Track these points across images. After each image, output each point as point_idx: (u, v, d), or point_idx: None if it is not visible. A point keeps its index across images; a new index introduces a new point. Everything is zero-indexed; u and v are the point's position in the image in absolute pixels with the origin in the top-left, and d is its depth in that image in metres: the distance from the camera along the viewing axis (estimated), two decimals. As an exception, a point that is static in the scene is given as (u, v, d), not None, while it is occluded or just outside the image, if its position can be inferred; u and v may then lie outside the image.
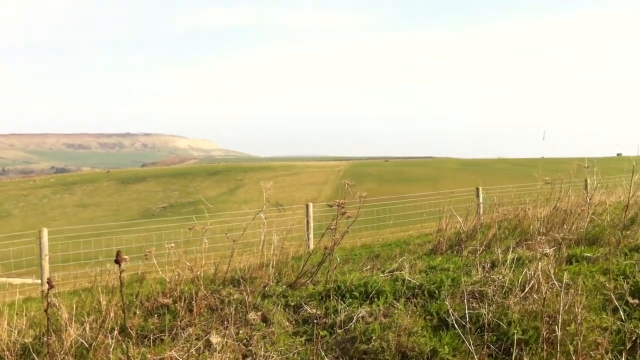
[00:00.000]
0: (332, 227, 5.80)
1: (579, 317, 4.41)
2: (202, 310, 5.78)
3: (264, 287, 6.37)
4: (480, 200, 15.95)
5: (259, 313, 5.68)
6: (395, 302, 5.71)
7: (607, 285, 5.36)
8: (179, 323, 5.48)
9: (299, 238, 12.56)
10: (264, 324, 5.49)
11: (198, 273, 6.16)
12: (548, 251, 6.02)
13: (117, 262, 4.59)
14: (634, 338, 4.34)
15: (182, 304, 5.72)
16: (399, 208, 19.24)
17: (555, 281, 4.99)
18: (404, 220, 17.89)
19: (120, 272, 4.73)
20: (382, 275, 6.60)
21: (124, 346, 4.90)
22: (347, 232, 6.92)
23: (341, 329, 5.21)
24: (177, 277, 6.17)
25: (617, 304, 4.71)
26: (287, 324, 5.55)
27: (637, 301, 4.72)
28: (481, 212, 14.04)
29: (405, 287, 6.02)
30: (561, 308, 4.42)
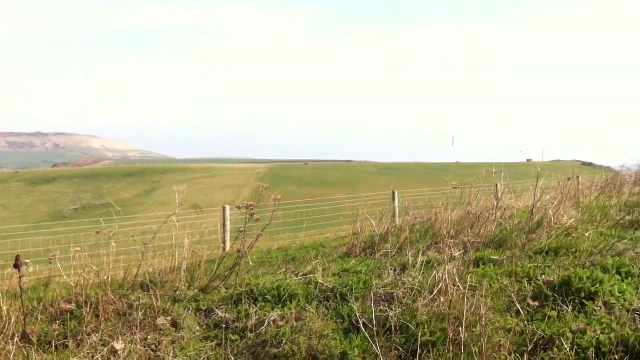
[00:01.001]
0: (241, 230, 5.75)
1: (483, 318, 4.51)
2: (109, 316, 5.60)
3: (175, 291, 6.25)
4: (396, 204, 16.18)
5: (169, 318, 5.55)
6: (307, 305, 5.71)
7: (511, 287, 5.54)
8: (84, 329, 5.28)
9: (216, 241, 12.42)
10: (174, 329, 5.38)
11: (105, 277, 5.97)
12: (456, 254, 6.16)
13: (16, 266, 4.41)
14: (535, 339, 4.48)
15: (87, 309, 5.51)
16: (318, 211, 19.27)
17: (460, 284, 5.09)
18: (322, 222, 17.94)
19: (20, 277, 4.54)
20: (295, 278, 6.59)
21: (25, 352, 4.70)
22: (261, 234, 6.90)
23: (252, 332, 5.15)
24: (82, 281, 5.96)
25: (519, 306, 4.86)
26: (198, 328, 5.45)
27: (537, 303, 4.89)
28: (397, 215, 14.33)
29: (317, 290, 6.03)
30: (465, 310, 4.52)
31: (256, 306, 5.64)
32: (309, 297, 5.95)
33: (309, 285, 6.23)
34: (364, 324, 4.99)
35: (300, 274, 6.81)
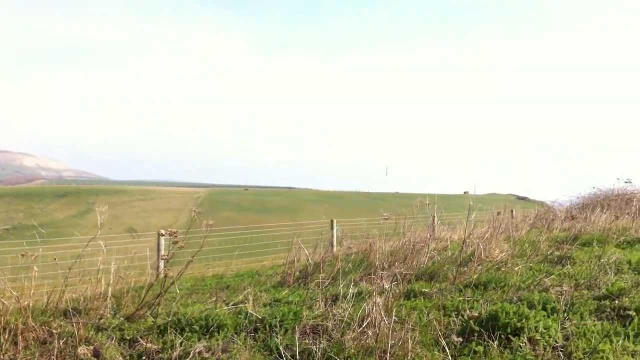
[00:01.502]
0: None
1: (410, 353, 4.50)
2: (28, 344, 5.36)
3: (100, 319, 6.03)
4: (334, 233, 16.18)
5: (91, 347, 5.33)
6: (235, 336, 5.59)
7: (440, 321, 5.56)
8: (1, 357, 5.04)
9: (150, 267, 12.12)
10: (95, 359, 5.17)
11: (26, 303, 5.72)
12: (387, 286, 6.15)
13: None
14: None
15: (6, 335, 5.27)
16: (257, 237, 19.13)
17: (385, 317, 5.07)
18: (260, 250, 17.79)
19: None
20: (225, 308, 6.46)
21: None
22: (192, 261, 6.76)
23: (177, 364, 4.99)
24: (2, 307, 5.69)
25: (446, 340, 4.87)
26: (121, 359, 5.26)
27: (460, 339, 4.90)
28: (334, 244, 14.30)
29: (247, 321, 5.92)
30: (392, 344, 4.50)
31: (182, 337, 5.49)
32: (238, 328, 5.83)
33: (239, 316, 6.12)
34: (293, 356, 4.93)
35: (231, 303, 6.69)
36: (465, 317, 5.25)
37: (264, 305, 6.69)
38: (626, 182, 15.66)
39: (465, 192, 49.43)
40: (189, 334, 5.60)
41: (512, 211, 16.55)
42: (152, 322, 5.95)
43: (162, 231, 5.97)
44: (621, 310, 5.70)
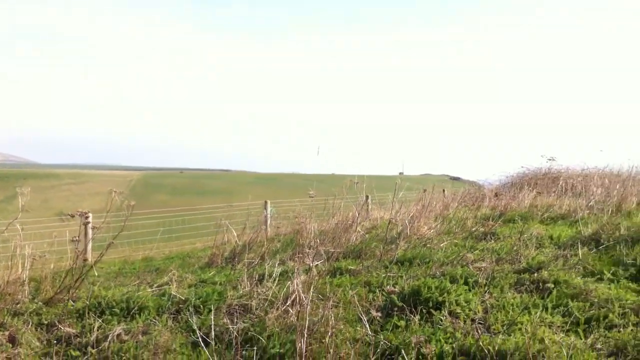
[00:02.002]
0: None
1: (331, 329, 4.49)
2: (-61, 331, 5.13)
3: (17, 304, 5.81)
4: (268, 214, 16.13)
5: (6, 333, 5.13)
6: (157, 318, 5.48)
7: (365, 297, 5.58)
8: None
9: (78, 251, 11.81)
10: (11, 345, 4.98)
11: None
12: (314, 264, 6.14)
13: None
14: (382, 349, 4.50)
15: None
16: (190, 220, 18.89)
17: (314, 294, 5.06)
18: (193, 232, 17.61)
19: None
20: (149, 290, 6.33)
21: None
22: (113, 243, 6.59)
23: (94, 348, 4.84)
24: None
25: (369, 316, 4.89)
26: (38, 344, 5.07)
27: (380, 314, 4.93)
28: (268, 225, 14.26)
29: (170, 303, 5.81)
30: (315, 321, 4.48)
31: (101, 320, 5.34)
32: (160, 309, 5.72)
33: (162, 298, 6.00)
34: (216, 336, 4.86)
35: (155, 285, 6.56)
36: (392, 291, 5.28)
37: (189, 287, 6.58)
38: (549, 160, 16.10)
39: (400, 173, 50.10)
40: (109, 317, 5.46)
41: (443, 190, 16.82)
42: (72, 306, 5.77)
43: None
44: (540, 283, 5.84)
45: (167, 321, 5.38)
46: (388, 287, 5.46)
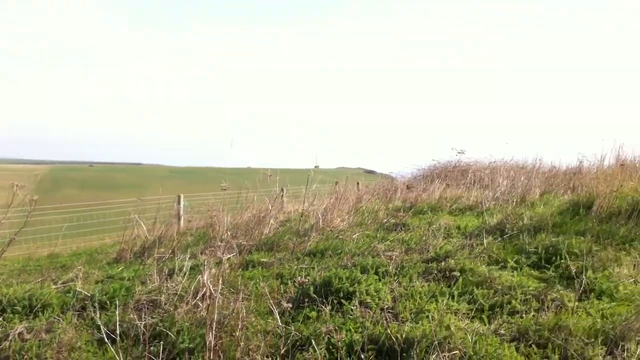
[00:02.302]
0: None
1: (241, 322, 4.45)
2: None
3: None
4: (182, 207, 15.89)
5: None
6: (62, 315, 5.29)
7: (277, 289, 5.57)
8: None
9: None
10: None
11: None
12: (226, 257, 6.07)
13: None
14: (290, 341, 4.50)
15: None
16: (100, 215, 18.32)
17: (225, 288, 5.00)
18: (103, 227, 17.10)
19: None
20: (54, 287, 6.10)
21: None
22: (14, 239, 6.32)
23: (-7, 348, 4.62)
24: None
25: (281, 307, 4.88)
26: None
27: (290, 305, 4.93)
28: (181, 219, 14.03)
29: (75, 299, 5.62)
30: (219, 315, 4.44)
31: (3, 318, 5.10)
32: (65, 307, 5.52)
33: (67, 295, 5.80)
34: (122, 333, 4.73)
35: (60, 282, 6.33)
36: (304, 283, 5.29)
37: (96, 283, 6.39)
38: (459, 153, 16.55)
39: (315, 167, 50.39)
40: (10, 315, 5.23)
41: (357, 183, 17.02)
42: (-32, 304, 5.48)
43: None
44: (447, 272, 5.99)
45: (71, 318, 5.20)
46: (299, 278, 5.46)
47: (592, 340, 4.36)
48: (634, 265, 6.12)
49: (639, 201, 7.68)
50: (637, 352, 4.24)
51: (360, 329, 4.63)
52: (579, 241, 6.64)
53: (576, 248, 6.42)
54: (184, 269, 6.01)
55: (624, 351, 4.27)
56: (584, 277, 5.44)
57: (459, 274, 5.86)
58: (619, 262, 6.10)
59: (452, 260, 6.25)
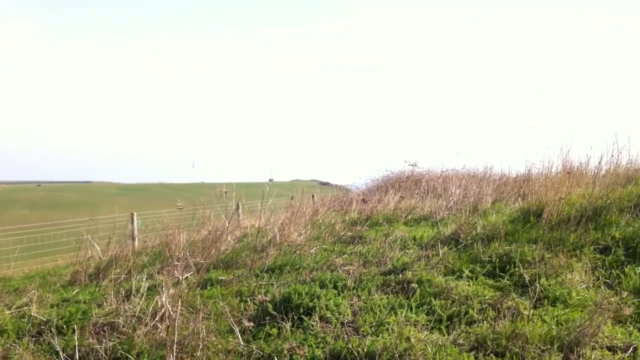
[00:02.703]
0: None
1: (201, 342, 4.43)
2: None
3: None
4: (135, 226, 15.70)
5: None
6: (18, 341, 5.18)
7: (236, 307, 5.55)
8: None
9: None
10: None
11: None
12: (183, 276, 6.02)
13: None
14: (255, 358, 4.50)
15: None
16: (51, 236, 17.96)
17: (183, 308, 4.97)
18: (54, 249, 16.76)
19: None
20: (7, 312, 5.96)
21: None
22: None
23: (-56, 380, 4.49)
24: None
25: (241, 326, 4.88)
26: None
27: (252, 324, 4.93)
28: (135, 238, 13.84)
29: (31, 324, 5.51)
30: (180, 335, 4.41)
31: (-46, 348, 4.96)
32: (21, 332, 5.42)
33: (22, 320, 5.68)
34: (81, 358, 4.66)
35: (14, 307, 6.19)
36: (263, 300, 5.29)
37: (51, 307, 6.27)
38: (411, 165, 16.78)
39: (270, 180, 50.31)
40: (-36, 344, 5.09)
41: (313, 196, 17.08)
42: None
43: None
44: (405, 284, 6.07)
45: (28, 344, 5.10)
46: (259, 296, 5.46)
47: (549, 347, 4.48)
48: (585, 271, 6.29)
49: (587, 208, 7.91)
50: (592, 358, 4.37)
51: (321, 344, 4.66)
52: (531, 249, 6.79)
53: (529, 256, 6.57)
54: (141, 289, 5.94)
55: (579, 357, 4.39)
56: (537, 284, 5.58)
57: (416, 285, 5.94)
58: (571, 268, 6.26)
59: (410, 272, 6.33)
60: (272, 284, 6.24)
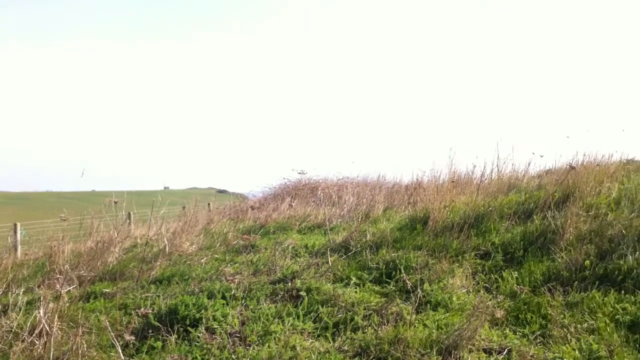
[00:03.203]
0: None
1: (81, 358, 4.29)
2: None
3: None
4: (19, 237, 14.98)
5: None
6: None
7: (120, 320, 5.41)
8: None
9: None
10: None
11: None
12: (65, 290, 5.80)
13: None
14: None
15: None
16: None
17: (57, 323, 4.79)
18: None
19: None
20: None
21: None
22: None
23: None
24: None
25: (120, 341, 4.75)
26: None
27: (133, 338, 4.83)
28: (18, 249, 13.18)
29: None
30: (58, 351, 4.25)
31: None
32: None
33: None
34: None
35: None
36: (140, 314, 5.17)
37: None
38: (300, 173, 16.87)
39: (165, 188, 49.42)
40: None
41: (209, 204, 16.91)
42: None
43: None
44: (294, 292, 6.11)
45: None
46: (142, 308, 5.34)
47: (428, 351, 4.64)
48: (466, 276, 6.57)
49: (470, 215, 8.27)
50: None
51: (207, 356, 4.62)
52: (416, 255, 7.01)
53: (414, 262, 6.79)
54: (19, 303, 5.67)
55: (456, 359, 4.58)
56: (419, 290, 5.77)
57: (305, 293, 5.99)
58: (453, 273, 6.52)
59: (299, 280, 6.38)
60: (159, 296, 6.11)
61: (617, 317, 5.31)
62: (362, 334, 5.03)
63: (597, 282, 6.03)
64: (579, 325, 5.22)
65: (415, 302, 5.52)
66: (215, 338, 4.96)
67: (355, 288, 6.25)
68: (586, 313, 5.47)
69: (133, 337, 4.76)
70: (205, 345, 4.79)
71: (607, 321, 5.24)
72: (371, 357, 4.64)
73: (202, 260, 7.90)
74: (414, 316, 5.31)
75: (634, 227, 6.91)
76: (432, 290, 6.00)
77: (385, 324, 5.21)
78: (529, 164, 12.14)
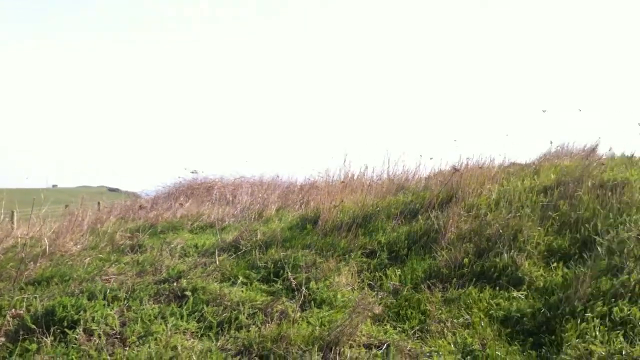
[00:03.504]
0: None
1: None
2: None
3: None
4: None
5: None
6: None
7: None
8: None
9: None
10: None
11: None
12: None
13: None
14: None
15: None
16: None
17: None
18: None
19: None
20: None
21: None
22: None
23: None
24: None
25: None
26: None
27: (4, 339, 4.64)
28: None
29: None
30: None
31: None
32: None
33: None
34: None
35: None
36: (9, 316, 4.96)
37: None
38: (192, 172, 16.69)
39: (54, 186, 47.37)
40: None
41: (99, 203, 16.42)
42: None
43: None
44: (179, 292, 6.03)
45: None
46: (13, 310, 5.12)
47: (310, 347, 4.72)
48: (352, 274, 6.73)
49: (359, 215, 8.46)
50: (349, 356, 4.68)
51: (83, 358, 4.50)
52: (304, 254, 7.11)
53: (302, 261, 6.87)
54: None
55: (337, 355, 4.68)
56: (303, 288, 5.86)
57: (190, 293, 5.93)
58: (339, 272, 6.65)
59: (185, 280, 6.31)
60: (36, 297, 5.87)
61: (491, 312, 5.60)
62: (246, 333, 5.05)
63: (474, 279, 6.34)
64: (455, 320, 5.47)
65: (300, 299, 5.60)
66: (94, 339, 4.83)
67: (242, 287, 6.26)
68: (463, 308, 5.73)
69: (4, 339, 4.56)
70: (82, 347, 4.66)
71: (482, 316, 5.51)
72: (253, 355, 4.67)
73: (85, 261, 7.65)
74: (298, 314, 5.38)
75: (510, 227, 7.29)
76: (317, 289, 6.10)
77: (269, 322, 5.25)
78: (419, 165, 12.54)
